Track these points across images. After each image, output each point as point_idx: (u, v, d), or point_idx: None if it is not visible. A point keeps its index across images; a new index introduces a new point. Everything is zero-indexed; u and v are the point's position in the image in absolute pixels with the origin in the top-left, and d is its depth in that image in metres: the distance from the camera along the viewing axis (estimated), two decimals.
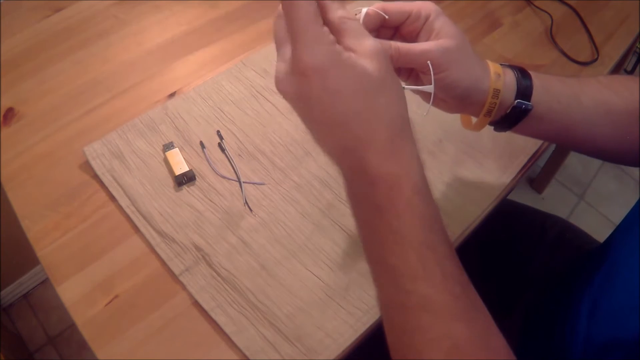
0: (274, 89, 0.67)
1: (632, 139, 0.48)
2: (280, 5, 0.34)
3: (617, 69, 1.27)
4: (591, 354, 0.47)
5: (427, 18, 0.40)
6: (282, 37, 0.34)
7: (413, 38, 0.42)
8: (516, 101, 0.43)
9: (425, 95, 0.42)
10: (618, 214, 0.53)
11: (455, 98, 0.42)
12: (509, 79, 0.44)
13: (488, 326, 0.34)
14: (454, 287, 0.34)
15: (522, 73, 0.45)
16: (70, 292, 0.51)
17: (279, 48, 0.35)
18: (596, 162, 1.74)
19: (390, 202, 0.33)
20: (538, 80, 0.45)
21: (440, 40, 0.40)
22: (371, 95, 0.33)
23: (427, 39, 0.41)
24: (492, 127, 0.49)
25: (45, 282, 1.31)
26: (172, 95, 0.67)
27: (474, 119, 0.47)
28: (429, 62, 0.39)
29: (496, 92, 0.43)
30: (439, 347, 0.33)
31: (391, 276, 0.34)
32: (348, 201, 0.37)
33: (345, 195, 0.38)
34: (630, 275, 0.44)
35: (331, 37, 0.32)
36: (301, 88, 0.32)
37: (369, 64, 0.32)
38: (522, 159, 0.65)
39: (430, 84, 0.40)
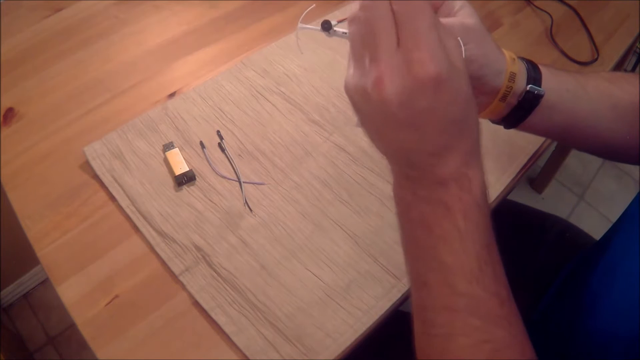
0: (274, 89, 0.68)
1: (636, 133, 0.48)
2: (359, 8, 0.32)
3: (617, 69, 1.27)
4: (591, 351, 0.47)
5: None
6: (363, 43, 0.32)
7: None
8: (529, 86, 0.44)
9: None
10: (618, 214, 0.53)
11: (470, 78, 0.42)
12: (520, 66, 0.45)
13: (524, 332, 0.35)
14: (501, 291, 0.34)
15: (529, 62, 0.46)
16: (70, 292, 0.51)
17: (361, 54, 0.32)
18: (596, 162, 1.74)
19: (460, 202, 0.33)
20: (545, 69, 0.46)
21: (459, 18, 0.41)
22: (471, 103, 0.33)
23: (446, 16, 0.41)
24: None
25: (45, 282, 1.31)
26: (172, 95, 0.67)
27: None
28: (458, 38, 0.39)
29: (512, 76, 0.43)
30: (480, 352, 0.33)
31: (445, 276, 0.34)
32: (400, 199, 0.37)
33: (394, 193, 0.37)
34: (629, 272, 0.44)
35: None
36: (410, 97, 0.30)
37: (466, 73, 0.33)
38: (522, 159, 0.65)
39: None
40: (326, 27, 0.39)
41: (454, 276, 0.34)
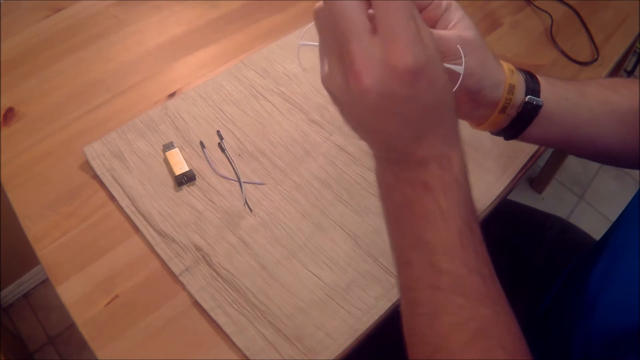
0: (274, 89, 0.68)
1: (636, 138, 0.48)
2: (323, 4, 0.32)
3: (617, 69, 1.27)
4: (591, 350, 0.47)
5: (447, 8, 0.41)
6: (335, 37, 0.32)
7: (430, 26, 0.42)
8: (528, 97, 0.44)
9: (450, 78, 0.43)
10: (618, 214, 0.54)
11: (468, 91, 0.43)
12: (519, 78, 0.45)
13: (509, 310, 0.35)
14: (483, 269, 0.34)
15: (527, 73, 0.46)
16: (70, 292, 0.51)
17: (334, 48, 0.33)
18: (596, 163, 1.74)
19: (440, 180, 0.34)
20: (543, 79, 0.46)
21: (457, 30, 0.41)
22: (448, 88, 0.34)
23: (444, 29, 0.41)
24: None
25: (45, 282, 1.31)
26: (172, 95, 0.67)
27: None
28: (458, 46, 0.39)
29: (511, 88, 0.43)
30: (465, 330, 0.33)
31: (427, 255, 0.34)
32: (381, 181, 0.37)
33: (376, 176, 0.38)
34: (629, 270, 0.44)
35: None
36: (388, 87, 0.31)
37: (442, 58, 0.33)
38: (522, 159, 0.65)
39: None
40: None
41: (437, 254, 0.34)
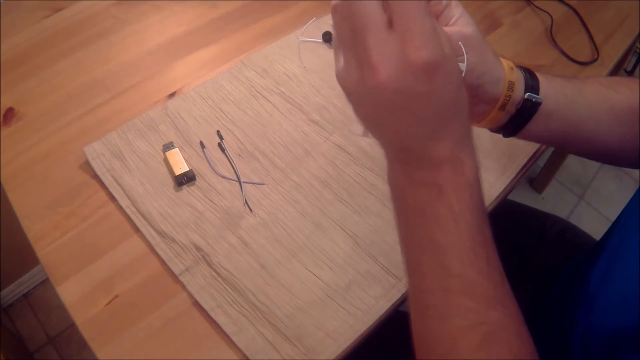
0: (274, 89, 0.68)
1: (635, 136, 0.48)
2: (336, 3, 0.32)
3: (617, 69, 1.27)
4: (590, 350, 0.47)
5: (447, 5, 0.42)
6: (352, 32, 0.32)
7: None
8: (527, 94, 0.44)
9: None
10: (618, 214, 0.54)
11: (469, 87, 0.43)
12: (518, 75, 0.45)
13: (519, 314, 0.35)
14: (494, 273, 0.34)
15: (527, 70, 0.46)
16: (70, 292, 0.51)
17: (351, 43, 0.32)
18: (596, 163, 1.74)
19: (454, 184, 0.34)
20: (542, 76, 0.46)
21: (457, 27, 0.41)
22: (462, 88, 0.34)
23: (445, 25, 0.42)
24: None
25: (45, 282, 1.31)
26: (172, 95, 0.67)
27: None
28: (460, 42, 0.39)
29: (511, 85, 0.44)
30: (475, 333, 0.33)
31: (439, 258, 0.34)
32: (393, 183, 0.37)
33: (387, 178, 0.38)
34: (628, 269, 0.44)
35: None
36: (404, 82, 0.31)
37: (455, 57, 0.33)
38: (522, 159, 0.65)
39: None
40: (327, 38, 0.39)
41: (448, 257, 0.34)
